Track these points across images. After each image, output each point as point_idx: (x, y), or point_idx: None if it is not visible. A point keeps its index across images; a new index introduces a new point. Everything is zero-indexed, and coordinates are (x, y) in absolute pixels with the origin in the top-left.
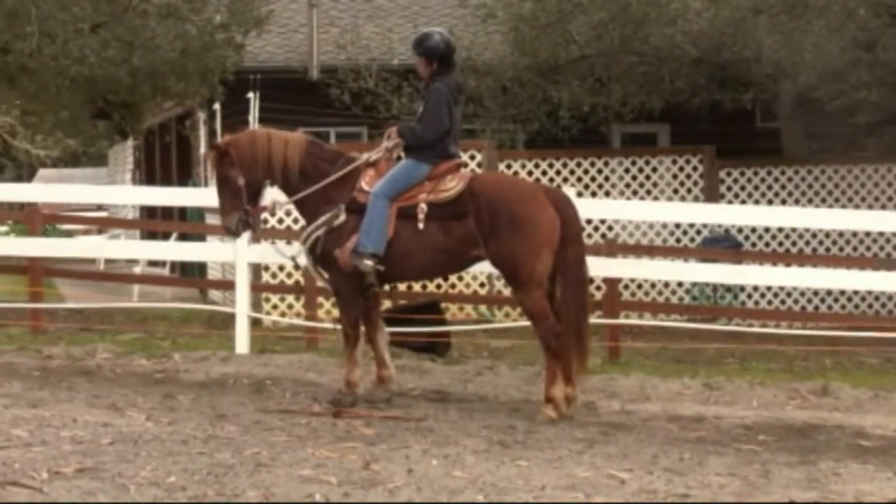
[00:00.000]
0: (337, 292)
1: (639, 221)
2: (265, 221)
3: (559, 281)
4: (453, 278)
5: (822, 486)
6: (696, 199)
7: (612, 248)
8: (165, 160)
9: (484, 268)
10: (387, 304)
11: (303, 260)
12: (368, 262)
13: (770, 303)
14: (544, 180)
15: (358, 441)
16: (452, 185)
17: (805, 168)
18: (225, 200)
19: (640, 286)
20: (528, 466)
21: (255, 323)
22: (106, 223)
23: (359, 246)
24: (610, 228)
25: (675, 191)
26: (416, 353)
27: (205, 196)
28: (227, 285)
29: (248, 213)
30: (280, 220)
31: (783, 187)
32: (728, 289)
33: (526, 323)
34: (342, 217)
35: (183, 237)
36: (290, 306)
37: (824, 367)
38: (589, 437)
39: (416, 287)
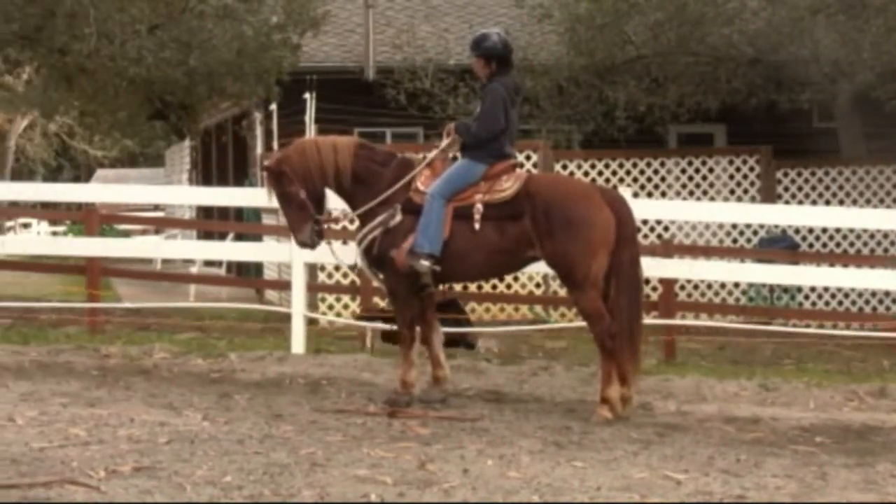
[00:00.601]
0: (392, 293)
1: (695, 222)
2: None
3: (613, 282)
4: (509, 278)
5: (879, 488)
6: (752, 199)
7: (668, 249)
8: (222, 160)
9: (539, 268)
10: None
11: (358, 261)
12: (425, 263)
13: (827, 304)
14: (600, 181)
15: (413, 441)
16: (508, 186)
17: (863, 168)
18: (293, 216)
19: (696, 287)
20: (584, 467)
21: (311, 323)
22: (163, 223)
23: (415, 246)
24: (666, 229)
25: (732, 191)
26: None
27: (261, 196)
28: (283, 285)
29: (319, 224)
30: (336, 221)
31: (840, 188)
32: (785, 289)
33: (581, 323)
34: (398, 217)
35: (239, 237)
36: (346, 306)
37: (882, 368)
38: (645, 438)
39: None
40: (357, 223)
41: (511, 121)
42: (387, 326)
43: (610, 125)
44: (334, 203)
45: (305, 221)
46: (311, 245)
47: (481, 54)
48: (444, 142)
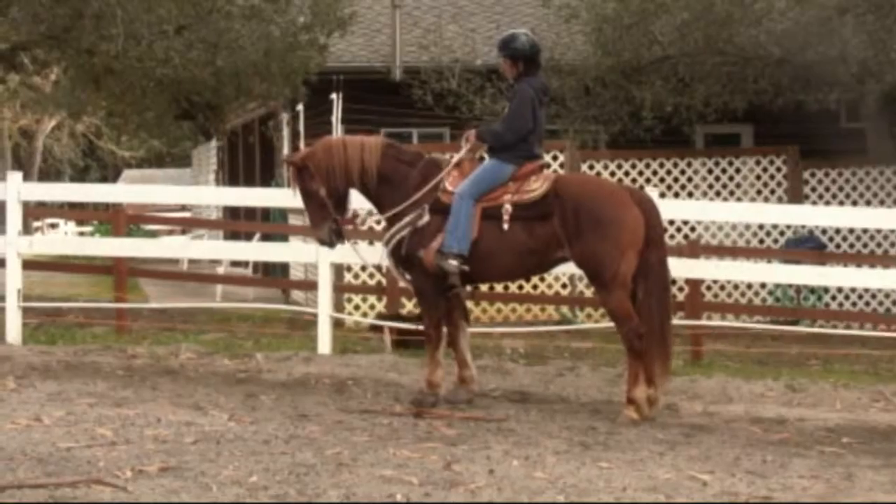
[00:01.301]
0: (419, 293)
1: (722, 222)
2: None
3: (642, 284)
4: (535, 279)
5: None
6: (779, 199)
7: (694, 249)
8: (248, 161)
9: (565, 269)
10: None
11: (385, 262)
12: (453, 263)
13: (854, 304)
14: (627, 181)
15: (439, 441)
16: (537, 186)
17: (891, 168)
18: (313, 213)
19: (722, 287)
20: (610, 468)
21: (337, 323)
22: (189, 223)
23: (444, 246)
24: (693, 229)
25: (759, 192)
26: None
27: (287, 197)
28: (310, 286)
29: (338, 223)
30: (362, 221)
31: (868, 188)
32: (812, 290)
33: (607, 324)
34: (426, 217)
35: (266, 238)
36: (373, 307)
37: None
38: (671, 439)
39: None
40: (384, 223)
41: (539, 121)
42: (407, 326)
43: (636, 125)
44: (361, 203)
45: (324, 220)
46: (330, 244)
47: (508, 55)
48: (465, 148)
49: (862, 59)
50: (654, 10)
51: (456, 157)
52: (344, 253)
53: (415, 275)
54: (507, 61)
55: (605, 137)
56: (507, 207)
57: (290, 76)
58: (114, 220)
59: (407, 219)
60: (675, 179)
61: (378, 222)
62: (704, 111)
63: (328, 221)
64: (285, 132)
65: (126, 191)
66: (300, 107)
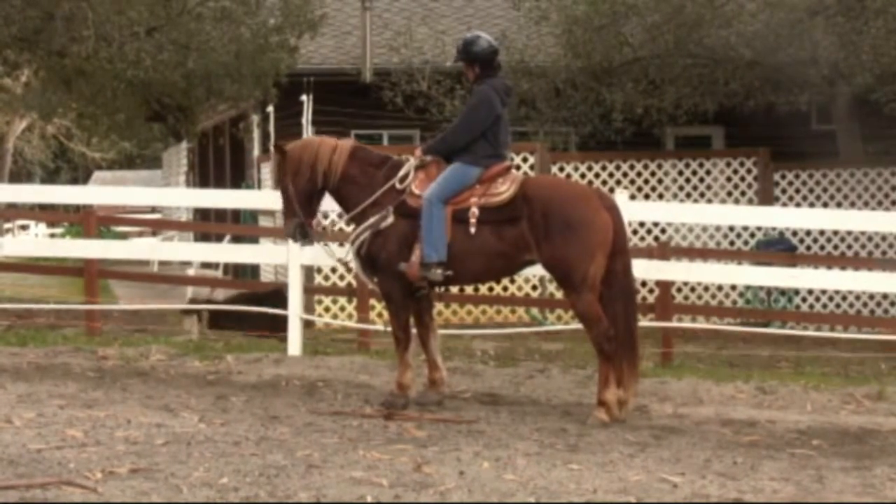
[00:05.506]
0: (387, 296)
1: (692, 224)
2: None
3: (606, 292)
4: (505, 280)
5: (877, 491)
6: (750, 201)
7: (665, 251)
8: (219, 162)
9: (535, 270)
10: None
11: (352, 264)
12: (438, 272)
13: (825, 306)
14: (597, 183)
15: (409, 443)
16: (504, 189)
17: (861, 171)
18: (286, 207)
19: (693, 289)
20: (580, 470)
21: (308, 325)
22: (160, 225)
23: (424, 257)
24: (663, 231)
25: (729, 193)
26: (259, 338)
27: (258, 198)
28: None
29: (303, 223)
30: (333, 222)
31: (839, 190)
32: (782, 292)
33: (578, 326)
34: (390, 220)
35: (236, 239)
36: (343, 308)
37: (880, 371)
38: (641, 441)
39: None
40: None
41: (503, 122)
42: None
43: (607, 127)
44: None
45: (293, 216)
46: (294, 239)
47: (463, 58)
48: (412, 161)
49: (833, 61)
50: (624, 12)
51: (404, 169)
52: (314, 254)
53: (380, 277)
54: (464, 64)
55: (576, 139)
56: (474, 210)
57: (260, 78)
58: (84, 221)
59: (370, 221)
60: (646, 181)
61: (348, 223)
62: (675, 113)
63: (294, 219)
64: (256, 134)
65: (96, 192)
66: (270, 108)
